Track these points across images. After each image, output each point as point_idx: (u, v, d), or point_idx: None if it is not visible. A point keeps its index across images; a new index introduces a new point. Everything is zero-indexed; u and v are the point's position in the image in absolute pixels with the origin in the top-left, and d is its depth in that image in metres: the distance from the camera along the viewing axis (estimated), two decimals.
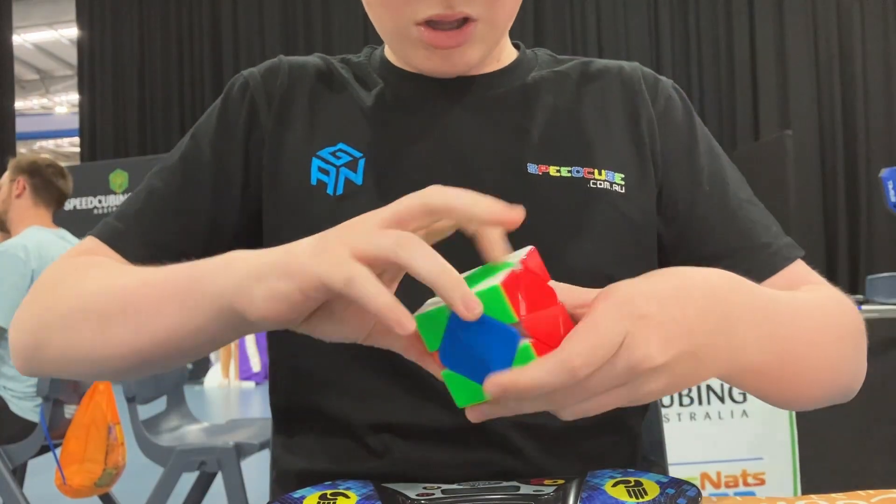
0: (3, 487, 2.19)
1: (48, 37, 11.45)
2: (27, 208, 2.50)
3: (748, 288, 0.51)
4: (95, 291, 0.56)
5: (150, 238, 0.67)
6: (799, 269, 0.69)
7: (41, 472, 2.51)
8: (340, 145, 0.69)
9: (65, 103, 13.85)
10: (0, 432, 2.26)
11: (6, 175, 2.54)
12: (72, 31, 9.89)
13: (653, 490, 0.52)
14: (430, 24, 0.64)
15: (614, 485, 0.53)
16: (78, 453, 2.18)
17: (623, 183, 0.69)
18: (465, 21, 0.65)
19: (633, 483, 0.53)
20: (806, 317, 0.57)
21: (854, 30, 7.17)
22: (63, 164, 2.76)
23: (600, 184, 0.69)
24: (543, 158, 0.69)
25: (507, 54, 0.76)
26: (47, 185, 2.52)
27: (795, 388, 0.58)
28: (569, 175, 0.68)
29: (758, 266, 0.68)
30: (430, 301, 0.46)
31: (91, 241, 0.68)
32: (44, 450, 2.28)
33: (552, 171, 0.68)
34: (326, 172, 0.68)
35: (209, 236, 0.69)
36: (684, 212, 0.71)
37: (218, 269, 0.49)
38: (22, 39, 11.01)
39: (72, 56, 10.57)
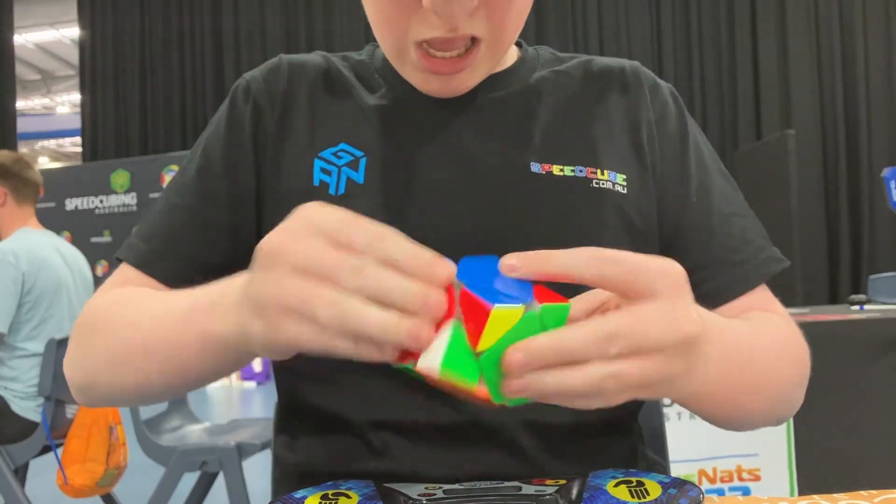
0: (5, 487, 2.19)
1: (50, 36, 11.45)
2: (12, 212, 2.49)
3: (720, 326, 0.53)
4: (127, 337, 0.62)
5: (176, 254, 0.70)
6: (764, 295, 0.71)
7: (43, 471, 2.51)
8: (342, 145, 0.69)
9: (66, 103, 13.86)
10: (2, 432, 2.26)
11: None
12: (73, 31, 9.88)
13: (655, 490, 0.52)
14: (429, 51, 0.64)
15: (616, 485, 0.53)
16: (80, 453, 2.18)
17: (625, 184, 0.69)
18: (470, 45, 0.64)
19: (634, 483, 0.53)
20: (761, 347, 0.61)
21: (856, 28, 7.16)
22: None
23: (603, 184, 0.69)
24: (547, 157, 0.69)
25: (510, 56, 0.76)
26: (24, 181, 2.50)
27: (740, 414, 0.62)
28: (572, 174, 0.69)
29: (728, 284, 0.70)
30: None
31: (124, 270, 0.71)
32: (45, 450, 2.28)
33: (555, 170, 0.69)
34: (328, 173, 0.68)
35: (232, 245, 0.70)
36: (671, 223, 0.72)
37: (216, 315, 0.52)
38: (23, 39, 11.02)
39: (73, 56, 10.57)
